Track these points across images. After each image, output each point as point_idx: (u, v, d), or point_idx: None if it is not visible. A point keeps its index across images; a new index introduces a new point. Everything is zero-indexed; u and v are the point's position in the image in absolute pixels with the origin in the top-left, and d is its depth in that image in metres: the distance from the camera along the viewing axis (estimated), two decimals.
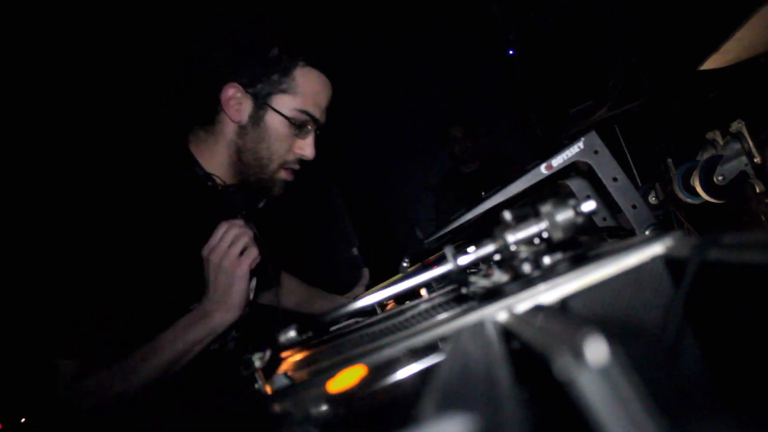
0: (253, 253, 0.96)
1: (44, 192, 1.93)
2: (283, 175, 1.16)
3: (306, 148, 1.14)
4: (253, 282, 1.18)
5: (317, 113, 1.13)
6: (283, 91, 1.09)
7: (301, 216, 2.84)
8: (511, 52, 1.55)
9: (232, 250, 0.95)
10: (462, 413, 0.18)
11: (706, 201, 1.00)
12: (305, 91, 1.10)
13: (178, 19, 2.02)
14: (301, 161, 1.18)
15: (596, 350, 0.18)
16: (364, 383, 0.40)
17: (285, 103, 1.09)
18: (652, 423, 0.17)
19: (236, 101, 1.09)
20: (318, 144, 1.17)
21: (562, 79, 1.45)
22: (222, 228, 0.97)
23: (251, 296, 1.19)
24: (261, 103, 1.09)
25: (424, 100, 3.75)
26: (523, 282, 0.37)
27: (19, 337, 1.93)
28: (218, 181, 1.12)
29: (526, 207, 0.39)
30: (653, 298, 0.34)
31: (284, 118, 1.09)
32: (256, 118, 1.10)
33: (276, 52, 1.08)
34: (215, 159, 1.14)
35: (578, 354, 0.18)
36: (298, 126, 1.11)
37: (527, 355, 0.25)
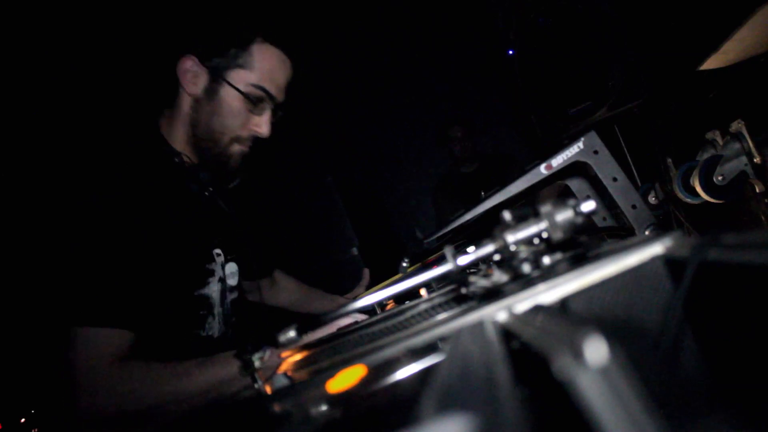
0: None
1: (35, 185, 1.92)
2: (237, 149, 1.15)
3: (262, 125, 1.14)
4: (234, 266, 1.18)
5: (273, 90, 1.12)
6: (240, 66, 1.08)
7: (301, 216, 2.84)
8: (510, 51, 1.55)
9: None
10: (462, 413, 0.18)
11: (706, 201, 1.00)
12: (262, 67, 1.09)
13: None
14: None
15: (596, 350, 0.18)
16: (364, 383, 0.40)
17: (241, 78, 1.09)
18: (652, 423, 0.17)
19: (192, 74, 1.09)
20: (275, 123, 1.16)
21: (562, 79, 1.45)
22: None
23: (235, 281, 1.19)
24: (216, 77, 1.08)
25: (424, 100, 3.75)
26: (522, 282, 0.37)
27: (19, 337, 1.93)
28: (185, 159, 1.12)
29: (525, 207, 0.39)
30: (653, 298, 0.34)
31: (239, 92, 1.08)
32: (211, 92, 1.09)
33: (234, 25, 1.08)
34: (179, 136, 1.13)
35: (578, 354, 0.18)
36: (253, 102, 1.10)
37: (527, 355, 0.25)
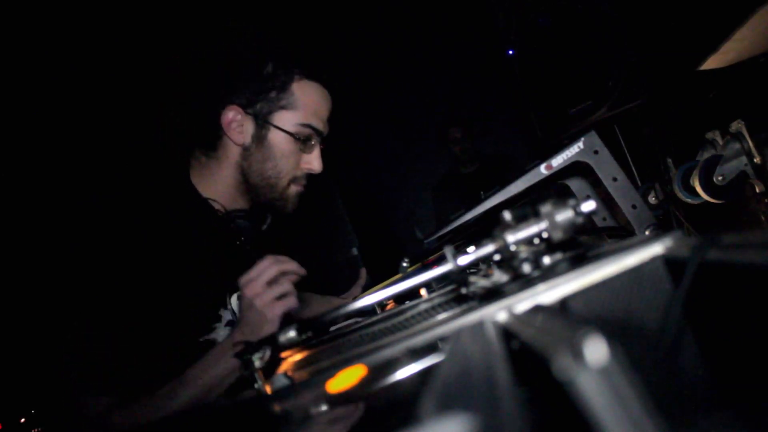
0: (291, 301, 0.92)
1: (50, 223, 1.93)
2: (294, 190, 1.14)
3: (313, 161, 1.13)
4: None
5: (320, 125, 1.12)
6: (283, 107, 1.07)
7: (301, 216, 2.84)
8: (510, 51, 1.55)
9: (269, 291, 0.89)
10: (462, 413, 0.18)
11: (706, 201, 1.00)
12: (305, 104, 1.09)
13: (173, 44, 2.00)
14: (310, 174, 1.16)
15: (596, 350, 0.18)
16: (364, 383, 0.40)
17: (286, 120, 1.07)
18: (652, 423, 0.17)
19: (237, 123, 1.07)
20: (324, 155, 1.15)
21: (562, 78, 1.45)
22: (264, 262, 0.92)
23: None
24: (262, 123, 1.07)
25: (423, 101, 3.75)
26: (522, 282, 0.37)
27: (19, 337, 1.93)
28: (217, 206, 1.11)
29: (525, 207, 0.39)
30: (653, 298, 0.34)
31: (288, 134, 1.07)
32: (260, 138, 1.08)
33: (270, 68, 1.06)
34: (219, 184, 1.12)
35: (578, 354, 0.18)
36: (302, 141, 1.09)
37: (527, 355, 0.25)
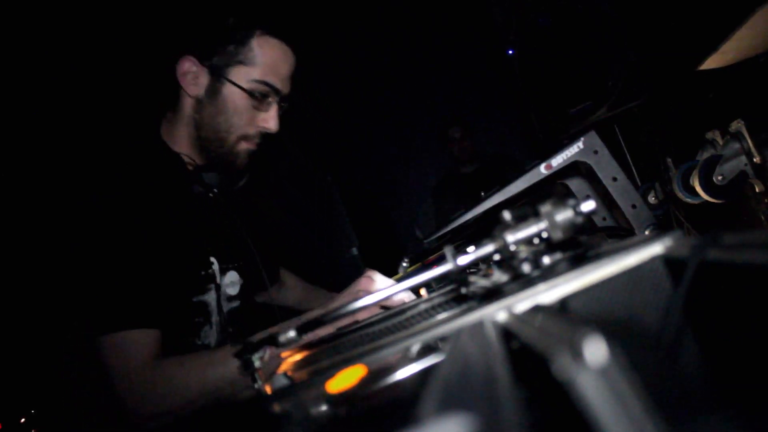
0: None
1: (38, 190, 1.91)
2: (244, 147, 1.13)
3: (269, 120, 1.11)
4: (235, 275, 1.17)
5: (278, 83, 1.10)
6: (240, 62, 1.06)
7: (301, 216, 2.84)
8: (510, 52, 1.55)
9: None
10: (462, 413, 0.18)
11: (706, 201, 1.00)
12: (264, 62, 1.07)
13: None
14: (265, 133, 1.14)
15: (595, 350, 0.18)
16: (364, 383, 0.40)
17: (243, 75, 1.06)
18: (652, 423, 0.17)
19: (192, 75, 1.07)
20: (282, 114, 1.14)
21: (562, 79, 1.45)
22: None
23: (236, 290, 1.18)
24: (218, 76, 1.06)
25: (423, 100, 3.75)
26: (522, 282, 0.37)
27: (19, 337, 1.93)
28: (186, 160, 1.11)
29: (525, 207, 0.39)
30: (653, 298, 0.34)
31: (242, 90, 1.06)
32: (213, 91, 1.07)
33: (231, 21, 1.05)
34: (182, 139, 1.12)
35: (577, 354, 0.18)
36: (257, 98, 1.08)
37: (527, 355, 0.25)
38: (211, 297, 1.08)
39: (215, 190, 1.13)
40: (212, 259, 1.10)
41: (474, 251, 0.41)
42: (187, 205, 1.08)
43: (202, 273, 1.07)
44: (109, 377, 0.90)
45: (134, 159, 1.06)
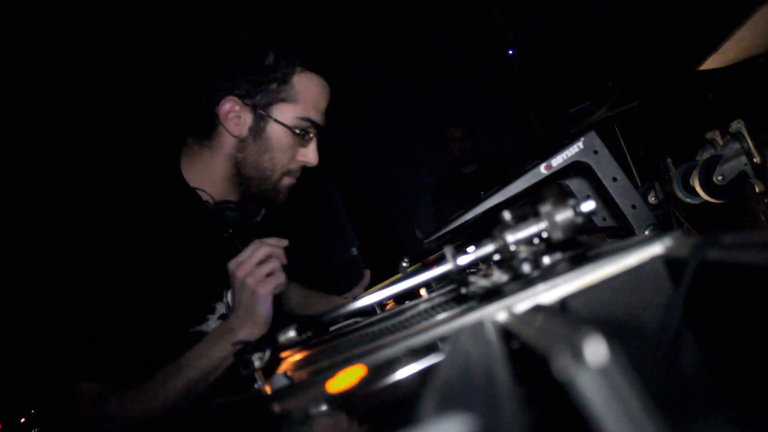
0: (280, 277, 0.94)
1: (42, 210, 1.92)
2: (287, 182, 1.13)
3: (309, 154, 1.12)
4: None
5: (318, 118, 1.10)
6: (283, 100, 1.05)
7: (300, 216, 2.83)
8: (510, 52, 1.55)
9: (258, 269, 0.92)
10: (462, 413, 0.18)
11: (706, 201, 1.00)
12: (305, 97, 1.07)
13: (174, 32, 2.00)
14: (305, 168, 1.15)
15: (595, 350, 0.18)
16: (364, 383, 0.40)
17: (286, 112, 1.06)
18: (652, 423, 0.17)
19: (235, 114, 1.05)
20: (320, 147, 1.14)
21: (562, 79, 1.45)
22: (253, 245, 0.94)
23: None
24: (261, 115, 1.05)
25: (423, 100, 3.75)
26: (522, 282, 0.37)
27: (19, 337, 1.93)
28: (205, 197, 1.09)
29: (525, 207, 0.39)
30: (653, 298, 0.34)
31: (286, 127, 1.06)
32: (257, 130, 1.06)
33: (272, 59, 1.04)
34: (210, 173, 1.10)
35: (577, 354, 0.18)
36: (300, 135, 1.08)
37: (527, 355, 0.25)
38: (211, 326, 1.05)
39: (231, 230, 1.13)
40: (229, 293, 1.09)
41: (474, 251, 0.41)
42: (196, 239, 1.06)
43: (202, 304, 1.05)
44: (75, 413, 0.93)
45: (152, 195, 1.05)
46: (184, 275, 1.01)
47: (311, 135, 1.11)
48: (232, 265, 0.94)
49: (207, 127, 1.08)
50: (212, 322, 1.06)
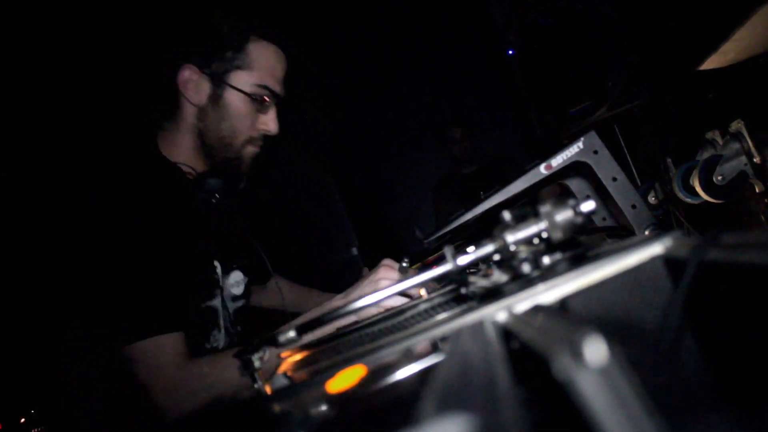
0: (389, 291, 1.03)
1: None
2: (250, 151, 1.15)
3: (269, 123, 1.14)
4: (239, 274, 1.18)
5: (276, 86, 1.12)
6: (239, 68, 1.08)
7: (300, 216, 2.84)
8: (510, 52, 1.56)
9: (387, 279, 1.00)
10: (461, 413, 0.18)
11: (706, 201, 1.00)
12: (261, 65, 1.09)
13: (133, 13, 1.98)
14: (266, 136, 1.16)
15: (595, 350, 0.18)
16: (364, 383, 0.40)
17: (243, 80, 1.08)
18: (651, 423, 0.17)
19: (193, 83, 1.08)
20: (279, 116, 1.16)
21: (562, 79, 1.46)
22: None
23: (241, 290, 1.19)
24: (218, 82, 1.08)
25: (423, 101, 3.75)
26: (522, 282, 0.37)
27: (19, 337, 1.93)
28: (186, 169, 1.12)
29: (525, 207, 0.39)
30: (652, 298, 0.34)
31: (244, 94, 1.08)
32: (215, 98, 1.09)
33: (226, 28, 1.07)
34: (182, 148, 1.13)
35: (577, 354, 0.18)
36: (258, 101, 1.10)
37: (527, 355, 0.25)
38: (217, 301, 1.08)
39: (217, 195, 1.14)
40: (215, 262, 1.11)
41: (474, 251, 0.41)
42: (188, 212, 1.08)
43: (209, 278, 1.07)
44: (142, 382, 0.92)
45: (135, 171, 1.07)
46: (183, 246, 1.03)
47: (269, 102, 1.13)
48: (386, 261, 1.03)
49: (170, 101, 1.10)
50: (219, 296, 1.08)
